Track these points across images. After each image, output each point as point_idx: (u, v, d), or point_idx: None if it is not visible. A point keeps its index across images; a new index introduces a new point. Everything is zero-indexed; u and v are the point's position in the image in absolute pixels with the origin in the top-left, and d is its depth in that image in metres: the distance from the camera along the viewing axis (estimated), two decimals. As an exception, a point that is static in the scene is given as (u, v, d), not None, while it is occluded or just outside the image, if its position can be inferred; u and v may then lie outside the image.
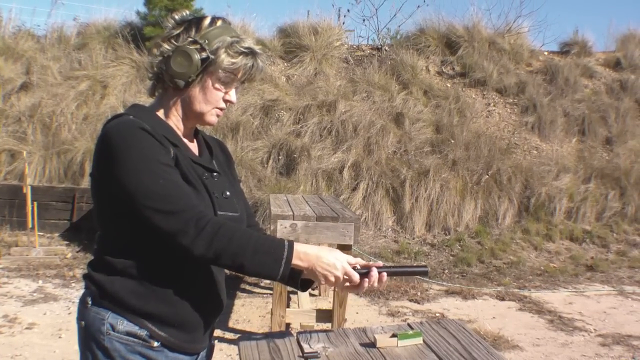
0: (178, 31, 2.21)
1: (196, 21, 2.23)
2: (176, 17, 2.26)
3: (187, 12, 2.28)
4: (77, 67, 12.38)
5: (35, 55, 12.50)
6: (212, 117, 2.29)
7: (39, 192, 9.71)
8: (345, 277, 2.21)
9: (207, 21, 2.22)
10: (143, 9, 13.16)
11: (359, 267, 2.25)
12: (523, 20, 14.48)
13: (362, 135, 11.29)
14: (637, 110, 13.01)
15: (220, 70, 2.21)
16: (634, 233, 10.80)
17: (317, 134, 11.38)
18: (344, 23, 14.74)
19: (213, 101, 2.25)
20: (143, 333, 2.14)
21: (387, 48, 14.01)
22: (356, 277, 2.22)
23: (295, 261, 2.13)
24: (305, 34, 13.37)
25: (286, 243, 2.14)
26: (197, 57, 2.15)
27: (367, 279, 2.23)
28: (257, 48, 2.27)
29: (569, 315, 7.47)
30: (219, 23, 2.24)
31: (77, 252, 9.24)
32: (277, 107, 11.78)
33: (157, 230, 2.05)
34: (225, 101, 2.29)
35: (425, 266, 2.47)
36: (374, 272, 2.25)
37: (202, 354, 2.40)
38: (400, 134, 11.56)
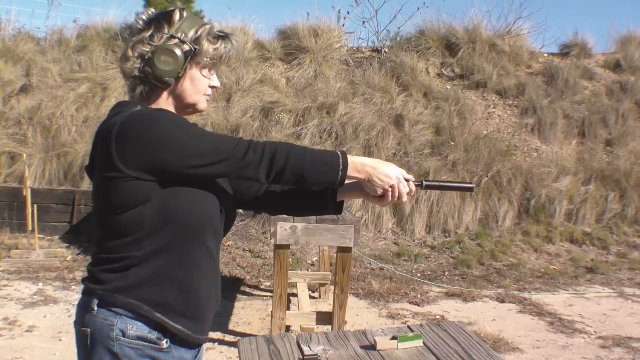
0: (150, 31, 2.24)
1: (165, 17, 2.26)
2: (144, 17, 2.29)
3: (153, 11, 2.32)
4: (77, 70, 12.38)
5: (36, 57, 12.50)
6: (204, 104, 2.36)
7: (39, 195, 9.72)
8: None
9: (177, 15, 2.26)
10: (152, 10, 13.19)
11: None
12: (523, 22, 14.47)
13: (362, 137, 11.30)
14: (638, 112, 13.00)
15: (206, 59, 2.27)
16: (634, 235, 10.79)
17: (317, 136, 11.38)
18: (344, 25, 14.75)
19: (203, 89, 2.32)
20: (154, 336, 2.15)
21: (387, 50, 14.00)
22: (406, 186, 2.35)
23: (352, 173, 2.25)
24: (305, 36, 13.36)
25: (339, 152, 2.26)
26: (179, 51, 2.20)
27: (391, 192, 2.33)
28: (228, 31, 2.35)
29: (569, 318, 7.47)
30: (186, 14, 2.28)
31: (78, 254, 9.24)
32: (277, 110, 11.78)
33: (222, 177, 2.23)
34: (211, 87, 2.35)
35: (471, 183, 2.57)
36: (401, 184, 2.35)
37: (202, 349, 2.42)
38: (400, 136, 11.57)
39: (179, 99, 2.29)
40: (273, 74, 12.86)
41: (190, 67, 2.25)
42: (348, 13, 15.12)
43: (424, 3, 17.97)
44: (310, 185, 2.26)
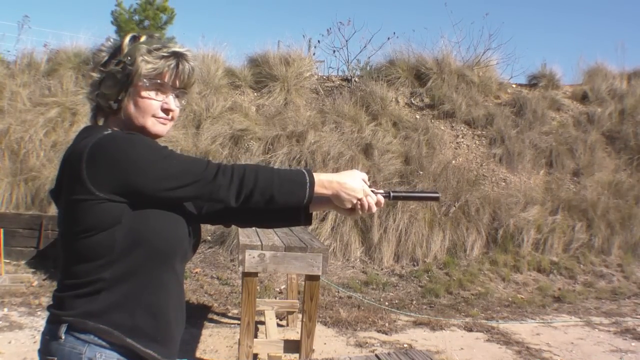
0: (106, 58, 2.24)
1: (120, 43, 2.26)
2: (108, 44, 2.29)
3: (113, 38, 2.32)
4: (47, 94, 12.31)
5: (5, 80, 12.41)
6: (156, 127, 2.28)
7: (6, 219, 9.62)
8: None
9: (127, 39, 2.25)
10: (114, 37, 13.14)
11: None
12: (492, 53, 14.66)
13: (331, 166, 11.31)
14: (604, 142, 13.16)
15: (143, 78, 2.21)
16: (600, 264, 10.88)
17: (286, 164, 11.36)
18: (314, 54, 14.85)
19: (148, 110, 2.24)
20: None
21: (357, 79, 14.08)
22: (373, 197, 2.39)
23: (319, 190, 2.27)
24: (276, 64, 13.41)
25: (304, 170, 2.28)
26: (120, 75, 2.18)
27: (359, 205, 2.36)
28: (183, 50, 2.30)
29: (536, 346, 7.50)
30: (143, 38, 2.26)
31: (44, 280, 9.14)
32: (246, 137, 11.78)
33: (192, 200, 2.26)
34: (165, 110, 2.28)
35: (436, 192, 2.60)
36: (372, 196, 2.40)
37: None
38: (369, 165, 11.59)
39: (128, 122, 2.24)
40: (243, 102, 12.88)
41: (131, 89, 2.21)
42: (318, 42, 15.29)
43: (394, 33, 18.12)
44: (278, 206, 2.25)
